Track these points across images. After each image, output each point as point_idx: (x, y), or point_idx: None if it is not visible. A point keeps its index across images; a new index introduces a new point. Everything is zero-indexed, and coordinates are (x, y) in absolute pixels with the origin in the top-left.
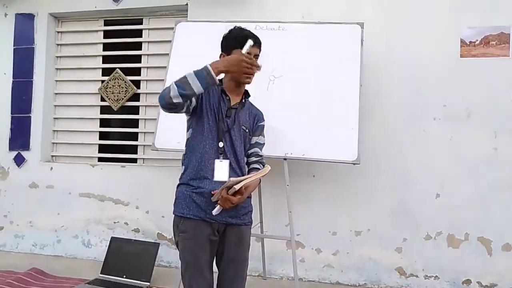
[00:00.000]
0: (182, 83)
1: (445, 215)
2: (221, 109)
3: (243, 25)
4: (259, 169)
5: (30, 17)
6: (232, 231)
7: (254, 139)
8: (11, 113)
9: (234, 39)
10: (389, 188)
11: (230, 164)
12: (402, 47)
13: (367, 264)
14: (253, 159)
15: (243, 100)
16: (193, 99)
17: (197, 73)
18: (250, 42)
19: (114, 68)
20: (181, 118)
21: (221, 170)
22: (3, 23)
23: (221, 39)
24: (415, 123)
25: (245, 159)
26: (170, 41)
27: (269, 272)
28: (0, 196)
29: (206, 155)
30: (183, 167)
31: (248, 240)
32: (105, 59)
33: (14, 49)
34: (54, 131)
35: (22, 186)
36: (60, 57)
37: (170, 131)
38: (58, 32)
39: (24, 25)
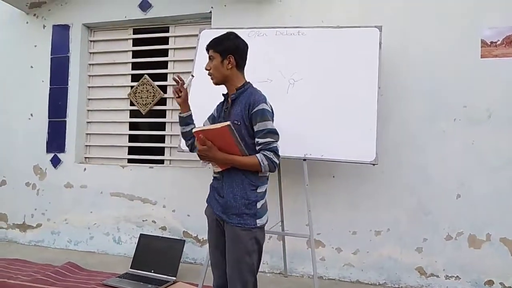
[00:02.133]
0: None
1: (466, 216)
2: (222, 113)
3: (263, 31)
4: (263, 156)
5: (65, 27)
6: (227, 229)
7: (255, 128)
8: (48, 118)
9: None
10: (409, 188)
11: None
12: (421, 48)
13: (387, 263)
14: (258, 148)
15: (233, 95)
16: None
17: None
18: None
19: (143, 74)
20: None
21: None
22: (42, 34)
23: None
24: (434, 124)
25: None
26: (194, 48)
27: (290, 270)
28: (38, 195)
29: None
30: None
31: (246, 243)
32: (134, 66)
33: (51, 58)
34: (87, 134)
35: (58, 186)
36: (93, 64)
37: None
38: (90, 41)
39: (60, 35)
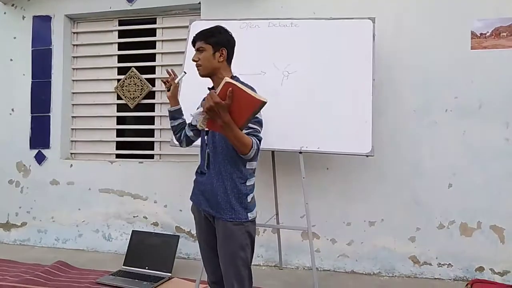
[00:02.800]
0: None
1: (458, 204)
2: None
3: (256, 23)
4: (255, 142)
5: (47, 19)
6: (218, 225)
7: None
8: (31, 113)
9: None
10: (402, 178)
11: (209, 154)
12: (413, 40)
13: (381, 253)
14: (246, 131)
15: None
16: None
17: None
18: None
19: (130, 67)
20: None
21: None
22: (21, 25)
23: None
24: (427, 115)
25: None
26: (183, 39)
27: (285, 262)
28: (22, 193)
29: (200, 152)
30: None
31: (239, 238)
32: (121, 58)
33: (32, 50)
34: (72, 129)
35: (43, 183)
36: (77, 57)
37: None
38: (74, 33)
39: (41, 27)
